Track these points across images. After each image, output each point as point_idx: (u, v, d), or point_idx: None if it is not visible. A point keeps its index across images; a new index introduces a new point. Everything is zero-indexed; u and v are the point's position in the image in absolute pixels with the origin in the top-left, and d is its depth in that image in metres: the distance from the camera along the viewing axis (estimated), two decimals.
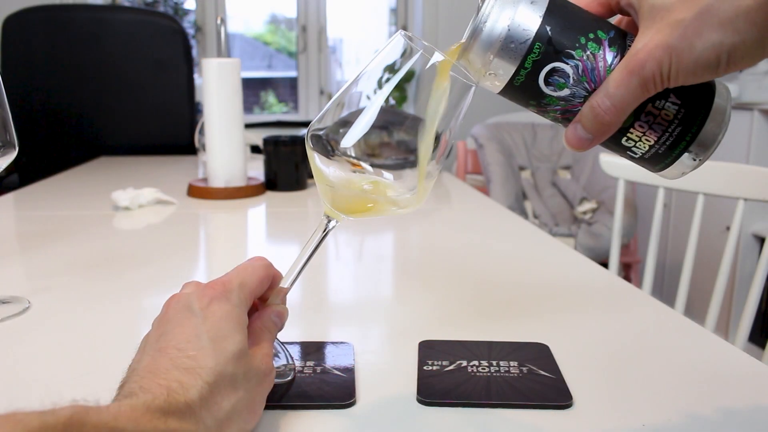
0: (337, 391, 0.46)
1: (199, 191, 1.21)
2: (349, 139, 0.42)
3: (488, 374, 0.48)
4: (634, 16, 0.37)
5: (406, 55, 0.41)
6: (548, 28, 0.37)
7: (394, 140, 0.43)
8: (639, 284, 2.26)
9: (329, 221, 0.46)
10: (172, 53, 1.98)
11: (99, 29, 1.94)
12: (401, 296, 0.71)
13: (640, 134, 0.38)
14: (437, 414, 0.43)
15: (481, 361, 0.50)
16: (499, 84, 0.39)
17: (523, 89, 0.38)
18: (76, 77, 1.95)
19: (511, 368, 0.49)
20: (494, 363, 0.50)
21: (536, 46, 0.37)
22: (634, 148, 0.39)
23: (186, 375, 0.35)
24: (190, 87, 2.01)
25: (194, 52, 3.05)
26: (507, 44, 0.37)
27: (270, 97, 3.61)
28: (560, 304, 0.66)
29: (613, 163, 1.30)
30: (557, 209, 2.47)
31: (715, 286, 1.09)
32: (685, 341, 0.57)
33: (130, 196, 1.09)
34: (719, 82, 0.39)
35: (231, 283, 0.41)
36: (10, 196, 1.24)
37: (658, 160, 0.39)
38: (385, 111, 0.43)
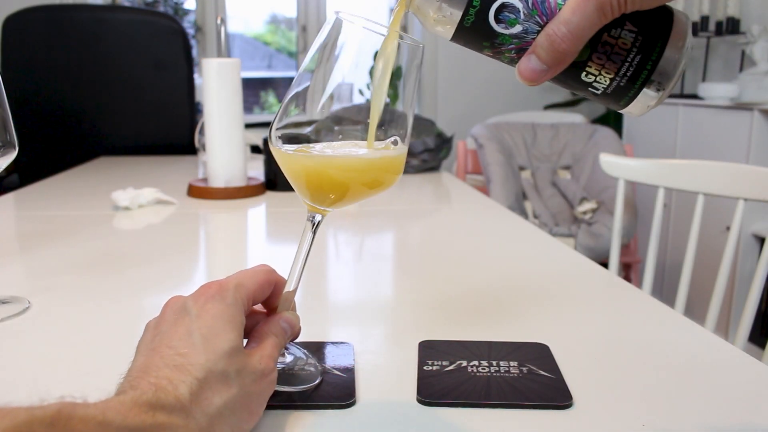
0: (337, 391, 0.46)
1: (199, 191, 1.21)
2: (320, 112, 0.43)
3: (488, 374, 0.48)
4: None
5: (333, 29, 0.43)
6: None
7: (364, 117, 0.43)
8: (639, 284, 2.26)
9: (314, 217, 0.46)
10: (172, 53, 1.98)
11: (99, 29, 1.94)
12: (401, 296, 0.71)
13: (599, 67, 0.37)
14: (437, 414, 0.43)
15: (481, 361, 0.50)
16: (450, 27, 0.38)
17: (474, 30, 0.37)
18: (76, 77, 1.95)
19: (511, 368, 0.49)
20: (494, 363, 0.50)
21: None
22: (595, 83, 0.38)
23: (176, 372, 0.35)
24: (190, 87, 2.01)
25: (194, 52, 3.05)
26: None
27: (270, 97, 3.61)
28: (560, 304, 0.66)
29: (613, 163, 1.30)
30: (557, 209, 2.47)
31: (715, 286, 1.09)
32: (685, 341, 0.57)
33: (130, 196, 1.09)
34: (678, 10, 0.38)
35: (227, 284, 0.41)
36: (10, 196, 1.24)
37: (621, 93, 0.38)
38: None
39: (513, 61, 0.38)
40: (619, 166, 1.29)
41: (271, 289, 0.45)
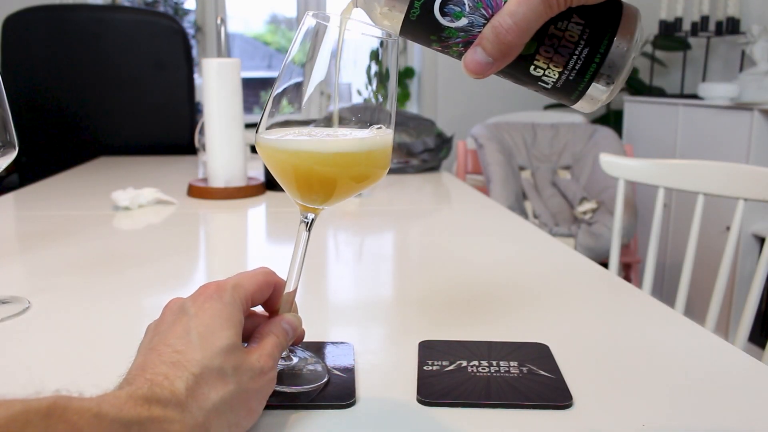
0: (337, 391, 0.46)
1: (199, 191, 1.21)
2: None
3: (488, 374, 0.48)
4: None
5: (304, 27, 0.43)
6: None
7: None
8: (639, 284, 2.26)
9: (307, 216, 0.47)
10: (172, 53, 1.98)
11: (99, 29, 1.94)
12: (401, 296, 0.71)
13: (548, 60, 0.36)
14: (437, 414, 0.43)
15: (481, 361, 0.50)
16: (396, 22, 0.38)
17: (421, 24, 0.37)
18: (76, 77, 1.95)
19: (511, 368, 0.49)
20: (494, 363, 0.50)
21: None
22: (544, 77, 0.37)
23: (172, 368, 0.35)
24: (190, 87, 2.01)
25: (194, 52, 3.05)
26: None
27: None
28: (560, 304, 0.66)
29: (613, 163, 1.30)
30: (557, 209, 2.47)
31: (715, 286, 1.09)
32: (685, 341, 0.57)
33: (130, 196, 1.09)
34: (628, 3, 0.37)
35: (225, 285, 0.42)
36: (10, 196, 1.24)
37: (571, 88, 0.37)
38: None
39: (461, 56, 0.37)
40: (619, 166, 1.29)
41: (271, 290, 0.46)
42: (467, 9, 0.35)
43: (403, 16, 0.37)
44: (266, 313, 0.47)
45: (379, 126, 0.45)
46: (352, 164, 0.44)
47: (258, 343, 0.42)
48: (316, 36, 0.43)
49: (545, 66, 0.37)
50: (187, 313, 0.39)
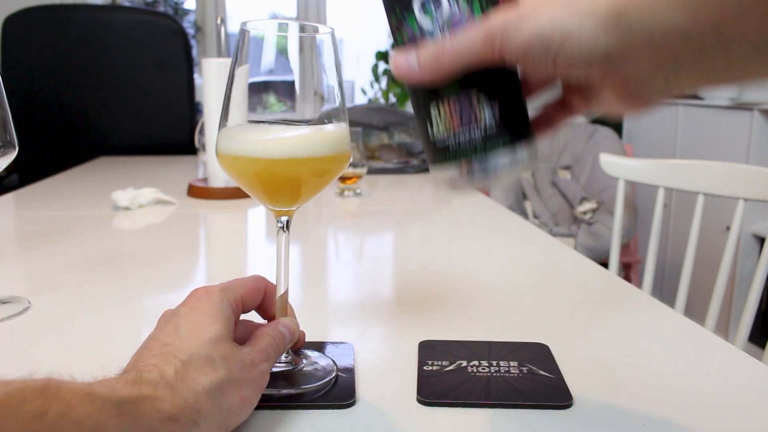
0: (337, 391, 0.46)
1: (199, 191, 1.21)
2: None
3: (488, 374, 0.48)
4: None
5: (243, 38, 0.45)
6: None
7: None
8: (639, 284, 2.26)
9: (280, 220, 0.47)
10: (172, 53, 1.98)
11: (99, 29, 1.94)
12: (401, 296, 0.71)
13: (448, 113, 0.37)
14: (437, 414, 0.43)
15: (481, 361, 0.50)
16: None
17: None
18: (76, 77, 1.95)
19: (511, 368, 0.49)
20: (494, 363, 0.50)
21: None
22: (435, 122, 0.37)
23: (161, 358, 0.37)
24: (190, 87, 2.01)
25: (194, 52, 3.05)
26: None
27: (270, 98, 3.61)
28: (560, 304, 0.66)
29: (613, 163, 1.30)
30: (557, 209, 2.47)
31: (715, 286, 1.09)
32: (685, 341, 0.57)
33: (130, 196, 1.09)
34: (535, 149, 0.38)
35: (214, 287, 0.43)
36: (10, 196, 1.24)
37: (443, 150, 0.37)
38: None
39: (401, 46, 0.37)
40: (619, 166, 1.29)
41: (262, 295, 0.46)
42: (438, 16, 0.36)
43: None
44: (264, 322, 0.47)
45: (332, 121, 0.45)
46: (313, 162, 0.44)
47: (253, 340, 0.42)
48: (251, 42, 0.44)
49: (444, 114, 0.37)
50: (176, 314, 0.41)
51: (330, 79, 0.45)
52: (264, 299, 0.47)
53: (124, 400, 0.32)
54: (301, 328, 0.48)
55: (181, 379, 0.36)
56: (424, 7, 0.36)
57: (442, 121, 0.37)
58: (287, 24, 0.45)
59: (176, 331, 0.39)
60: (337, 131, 0.45)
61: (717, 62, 0.30)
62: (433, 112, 0.37)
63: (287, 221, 0.47)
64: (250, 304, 0.45)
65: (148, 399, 0.33)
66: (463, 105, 0.36)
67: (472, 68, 0.35)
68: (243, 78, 0.45)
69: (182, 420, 0.34)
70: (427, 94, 0.37)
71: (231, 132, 0.44)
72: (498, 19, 0.33)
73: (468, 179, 0.37)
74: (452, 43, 0.34)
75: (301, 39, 0.45)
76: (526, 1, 0.33)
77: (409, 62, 0.35)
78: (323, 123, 0.45)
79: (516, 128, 0.37)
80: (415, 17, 0.36)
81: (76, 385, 0.31)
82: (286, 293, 0.47)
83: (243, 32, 0.44)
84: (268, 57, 0.44)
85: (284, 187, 0.45)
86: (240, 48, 0.44)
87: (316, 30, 0.45)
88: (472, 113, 0.36)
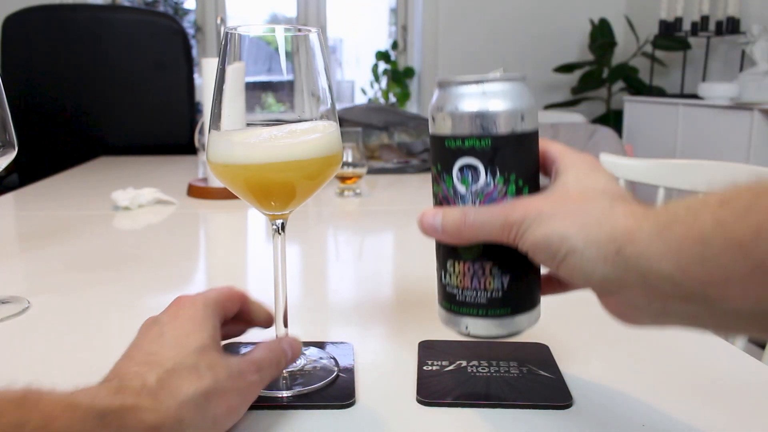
0: (337, 391, 0.46)
1: (199, 191, 1.21)
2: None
3: (488, 374, 0.48)
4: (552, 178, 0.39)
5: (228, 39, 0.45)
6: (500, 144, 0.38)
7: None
8: None
9: (274, 223, 0.47)
10: (172, 53, 1.98)
11: (99, 29, 1.94)
12: (401, 296, 0.71)
13: (461, 272, 0.40)
14: (437, 414, 0.43)
15: (481, 361, 0.50)
16: (445, 126, 0.39)
17: (448, 148, 0.39)
18: (76, 77, 1.95)
19: (510, 368, 0.49)
20: (494, 363, 0.50)
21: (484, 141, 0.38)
22: (449, 273, 0.40)
23: (144, 366, 0.36)
24: (190, 87, 2.01)
25: (194, 52, 3.05)
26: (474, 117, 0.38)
27: (269, 98, 3.61)
28: (560, 304, 0.66)
29: (613, 163, 1.30)
30: None
31: None
32: (684, 341, 0.57)
33: (130, 196, 1.09)
34: (537, 314, 0.42)
35: (196, 295, 0.43)
36: (10, 196, 1.24)
37: (450, 297, 0.41)
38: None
39: (434, 199, 0.41)
40: (619, 166, 1.29)
41: (239, 302, 0.46)
42: (474, 187, 0.38)
43: (446, 134, 0.39)
44: (264, 341, 0.47)
45: (322, 119, 0.45)
46: (305, 166, 0.44)
47: (249, 353, 0.42)
48: (238, 45, 0.45)
49: (458, 272, 0.40)
50: (159, 322, 0.40)
51: (321, 79, 0.45)
52: (243, 307, 0.46)
53: (107, 410, 0.32)
54: (301, 328, 0.48)
55: (164, 388, 0.35)
56: (462, 173, 0.38)
57: (454, 275, 0.40)
58: (274, 27, 0.45)
59: (160, 339, 0.38)
60: (327, 132, 0.45)
61: (703, 314, 0.32)
62: (449, 266, 0.41)
63: (282, 224, 0.47)
64: (231, 310, 0.45)
65: (131, 409, 0.33)
66: (476, 270, 0.39)
67: (490, 243, 0.38)
68: (232, 79, 0.45)
69: (165, 430, 0.34)
70: (447, 249, 0.40)
71: (220, 138, 0.45)
72: (520, 210, 0.36)
73: (465, 335, 0.41)
74: (475, 217, 0.37)
75: (288, 39, 0.45)
76: (553, 196, 0.37)
77: (435, 222, 0.39)
78: (313, 124, 0.45)
79: (520, 302, 0.40)
80: (453, 180, 0.39)
81: (56, 396, 0.30)
82: (284, 299, 0.47)
83: (228, 35, 0.45)
84: (257, 58, 0.45)
85: (276, 191, 0.45)
86: (226, 50, 0.45)
87: (301, 30, 0.45)
88: (483, 280, 0.39)
